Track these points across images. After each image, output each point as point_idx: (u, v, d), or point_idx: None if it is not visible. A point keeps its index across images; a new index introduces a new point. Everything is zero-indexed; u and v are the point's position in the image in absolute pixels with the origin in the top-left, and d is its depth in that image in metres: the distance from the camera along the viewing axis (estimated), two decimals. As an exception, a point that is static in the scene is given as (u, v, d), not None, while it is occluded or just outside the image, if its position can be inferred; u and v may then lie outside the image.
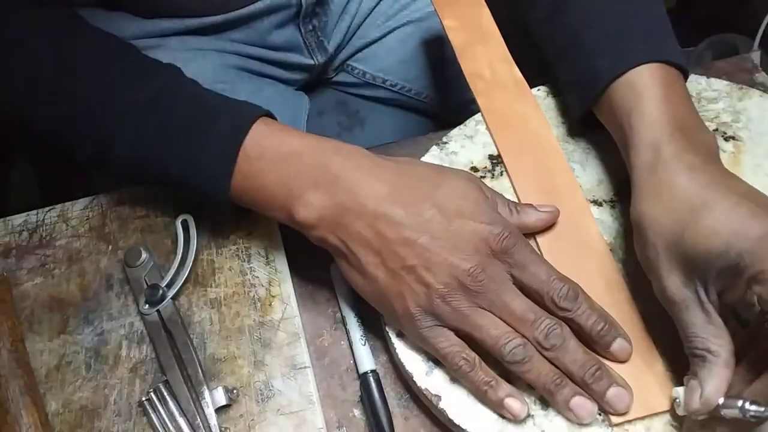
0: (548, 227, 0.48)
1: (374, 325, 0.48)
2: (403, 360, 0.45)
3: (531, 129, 0.54)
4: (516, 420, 0.42)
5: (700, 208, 0.39)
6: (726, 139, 0.53)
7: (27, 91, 0.50)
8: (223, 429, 0.44)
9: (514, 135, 0.54)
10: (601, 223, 0.49)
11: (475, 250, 0.42)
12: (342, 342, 0.49)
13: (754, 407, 0.36)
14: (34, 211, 0.55)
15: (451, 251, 0.42)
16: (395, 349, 0.46)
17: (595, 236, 0.48)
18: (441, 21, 0.60)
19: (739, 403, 0.37)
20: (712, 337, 0.39)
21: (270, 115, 0.48)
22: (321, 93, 0.80)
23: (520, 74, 0.56)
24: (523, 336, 0.42)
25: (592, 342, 0.43)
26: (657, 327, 0.45)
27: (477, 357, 0.43)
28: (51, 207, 0.55)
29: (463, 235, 0.43)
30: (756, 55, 0.60)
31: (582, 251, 0.48)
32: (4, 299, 0.49)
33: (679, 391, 0.41)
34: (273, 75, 0.71)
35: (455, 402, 0.43)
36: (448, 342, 0.43)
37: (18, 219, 0.54)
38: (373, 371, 0.46)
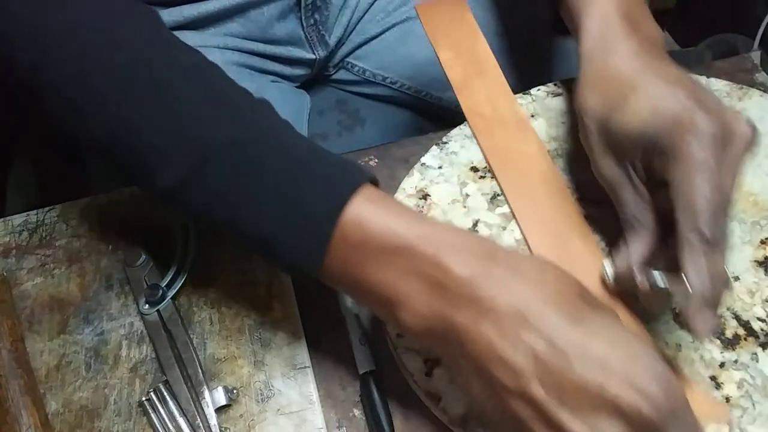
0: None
1: (374, 325, 0.48)
2: (403, 360, 0.45)
3: (536, 170, 0.52)
4: None
5: (628, 93, 0.42)
6: (726, 139, 0.53)
7: (114, 107, 0.41)
8: (223, 429, 0.44)
9: (518, 177, 0.51)
10: (601, 222, 0.49)
11: (603, 424, 0.32)
12: (342, 342, 0.49)
13: (656, 274, 0.41)
14: (34, 211, 0.55)
15: (573, 421, 0.32)
16: (395, 349, 0.46)
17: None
18: (436, 52, 0.58)
19: (647, 273, 0.42)
20: (640, 208, 0.43)
21: (375, 182, 0.40)
22: (321, 91, 0.80)
23: (521, 110, 0.55)
24: None
25: None
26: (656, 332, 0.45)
27: None
28: (51, 207, 0.55)
29: (595, 400, 0.32)
30: (756, 55, 0.60)
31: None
32: (4, 299, 0.49)
33: (606, 263, 0.45)
34: (274, 71, 0.71)
35: (455, 402, 0.43)
36: None
37: (18, 219, 0.54)
38: (373, 371, 0.46)
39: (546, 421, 0.32)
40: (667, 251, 0.42)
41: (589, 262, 0.47)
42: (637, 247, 0.43)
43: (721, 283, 0.37)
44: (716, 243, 0.37)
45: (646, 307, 0.44)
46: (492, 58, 0.58)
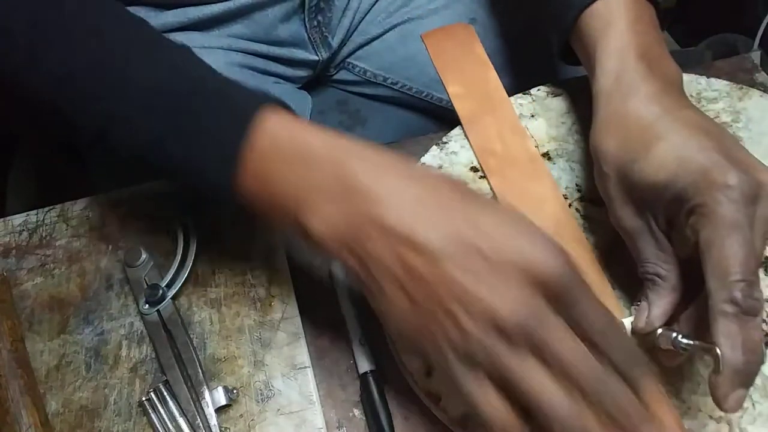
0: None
1: (374, 325, 0.48)
2: (403, 360, 0.45)
3: (550, 214, 0.49)
4: None
5: (651, 141, 0.40)
6: (726, 139, 0.52)
7: (34, 58, 0.44)
8: (223, 429, 0.44)
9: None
10: (601, 223, 0.49)
11: (523, 293, 0.34)
12: (342, 342, 0.49)
13: (684, 340, 0.39)
14: (34, 211, 0.55)
15: (493, 292, 0.34)
16: (395, 349, 0.46)
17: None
18: (445, 87, 0.57)
19: (672, 335, 0.39)
20: (662, 263, 0.41)
21: (281, 103, 0.43)
22: (322, 92, 0.80)
23: (533, 148, 0.53)
24: (571, 383, 0.35)
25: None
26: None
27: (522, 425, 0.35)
28: (51, 207, 0.55)
29: (509, 273, 0.34)
30: (756, 55, 0.60)
31: None
32: (4, 299, 0.49)
33: (625, 321, 0.43)
34: (277, 72, 0.71)
35: (455, 402, 0.43)
36: (485, 399, 0.35)
37: (18, 219, 0.54)
38: (373, 371, 0.46)
39: (457, 292, 0.34)
40: (692, 307, 0.40)
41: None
42: (660, 305, 0.41)
43: (756, 355, 0.35)
44: (751, 312, 0.35)
45: (664, 363, 0.42)
46: (503, 91, 0.55)
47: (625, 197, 0.42)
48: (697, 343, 0.38)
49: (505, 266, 0.34)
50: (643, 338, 0.42)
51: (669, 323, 0.41)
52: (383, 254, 0.36)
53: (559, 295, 0.34)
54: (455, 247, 0.35)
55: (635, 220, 0.42)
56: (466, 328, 0.34)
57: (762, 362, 0.35)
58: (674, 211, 0.39)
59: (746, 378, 0.35)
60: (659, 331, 0.40)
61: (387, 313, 0.37)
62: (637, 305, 0.42)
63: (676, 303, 0.41)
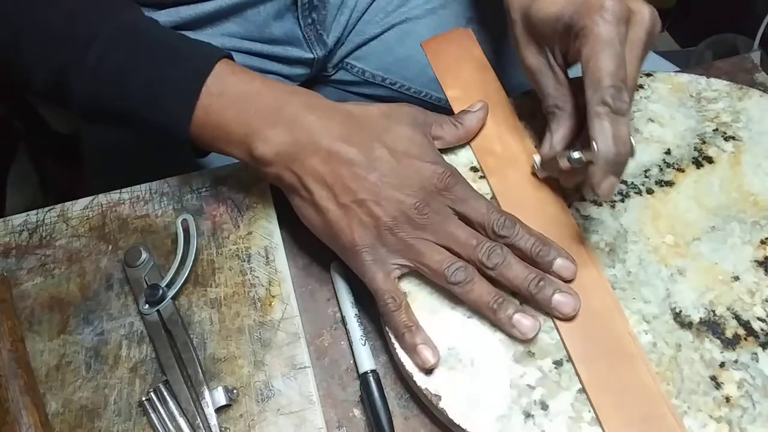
0: (577, 329, 0.44)
1: (374, 325, 0.49)
2: (403, 360, 0.45)
3: (549, 214, 0.49)
4: (423, 368, 0.44)
5: None
6: (726, 139, 0.53)
7: None
8: (223, 429, 0.44)
9: (530, 223, 0.48)
10: (601, 223, 0.49)
11: (421, 187, 0.46)
12: (342, 342, 0.49)
13: (575, 154, 0.45)
14: (34, 211, 0.55)
15: (398, 187, 0.45)
16: (395, 349, 0.46)
17: (626, 337, 0.44)
18: (444, 91, 0.56)
19: (567, 153, 0.45)
20: (560, 95, 0.48)
21: (230, 57, 0.50)
22: (321, 91, 0.80)
23: (533, 148, 0.52)
24: (468, 260, 0.45)
25: (536, 265, 0.46)
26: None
27: (406, 301, 0.46)
28: (51, 207, 0.55)
29: (409, 174, 0.46)
30: (756, 55, 0.60)
31: (613, 349, 0.44)
32: (4, 299, 0.49)
33: (536, 157, 0.50)
34: (274, 71, 0.71)
35: (455, 402, 0.43)
36: (383, 280, 0.45)
37: (18, 219, 0.54)
38: (373, 371, 0.46)
39: (367, 186, 0.45)
40: (583, 132, 0.46)
41: (607, 315, 0.45)
42: (560, 131, 0.47)
43: (625, 147, 0.41)
44: (620, 112, 0.41)
45: (565, 185, 0.49)
46: (502, 92, 0.55)
47: (528, 37, 0.49)
48: (583, 151, 0.44)
49: (404, 170, 0.46)
50: (550, 166, 0.48)
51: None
52: (317, 167, 0.46)
53: (444, 191, 0.46)
54: (367, 158, 0.46)
55: (537, 58, 0.48)
56: (374, 211, 0.45)
57: (630, 155, 0.41)
58: (567, 43, 0.45)
59: (616, 167, 0.41)
60: (559, 155, 0.46)
61: (315, 213, 0.47)
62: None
63: (573, 128, 0.47)
